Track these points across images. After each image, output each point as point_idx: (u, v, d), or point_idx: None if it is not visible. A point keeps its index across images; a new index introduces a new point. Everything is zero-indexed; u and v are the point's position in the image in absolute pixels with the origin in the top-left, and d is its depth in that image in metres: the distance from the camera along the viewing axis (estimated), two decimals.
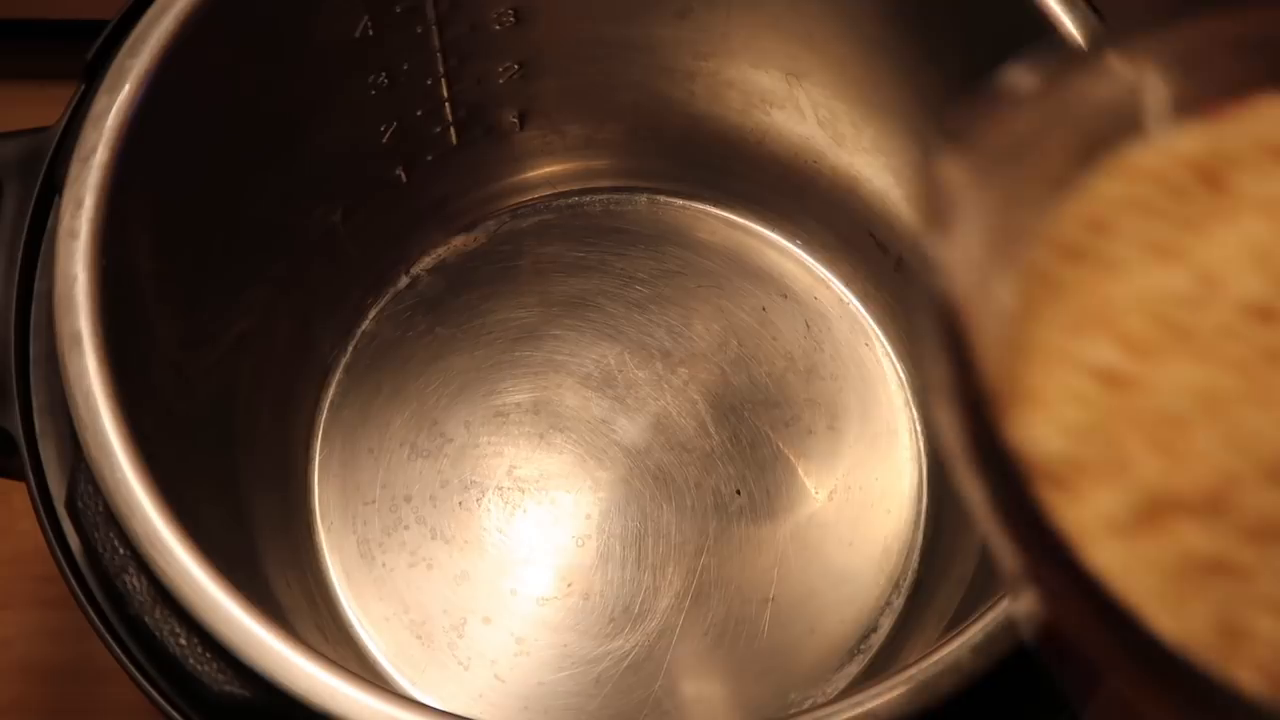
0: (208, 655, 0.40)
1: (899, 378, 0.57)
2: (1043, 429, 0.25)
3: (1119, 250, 0.27)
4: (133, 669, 0.41)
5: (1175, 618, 0.24)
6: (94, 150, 0.44)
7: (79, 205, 0.43)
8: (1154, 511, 0.24)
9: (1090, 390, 0.25)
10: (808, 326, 0.58)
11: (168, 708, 0.40)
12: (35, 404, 0.44)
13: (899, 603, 0.54)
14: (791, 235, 0.60)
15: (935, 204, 0.26)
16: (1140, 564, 0.24)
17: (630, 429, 0.56)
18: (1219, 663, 0.24)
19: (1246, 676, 0.24)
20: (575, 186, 0.61)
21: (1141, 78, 0.27)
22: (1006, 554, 0.24)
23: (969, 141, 0.26)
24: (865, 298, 0.59)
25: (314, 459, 0.56)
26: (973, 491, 0.24)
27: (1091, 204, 0.27)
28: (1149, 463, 0.25)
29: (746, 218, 0.60)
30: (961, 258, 0.25)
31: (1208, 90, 0.28)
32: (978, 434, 0.24)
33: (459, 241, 0.60)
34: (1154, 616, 0.24)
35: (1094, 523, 0.24)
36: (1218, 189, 0.27)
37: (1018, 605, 0.24)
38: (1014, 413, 0.26)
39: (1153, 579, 0.24)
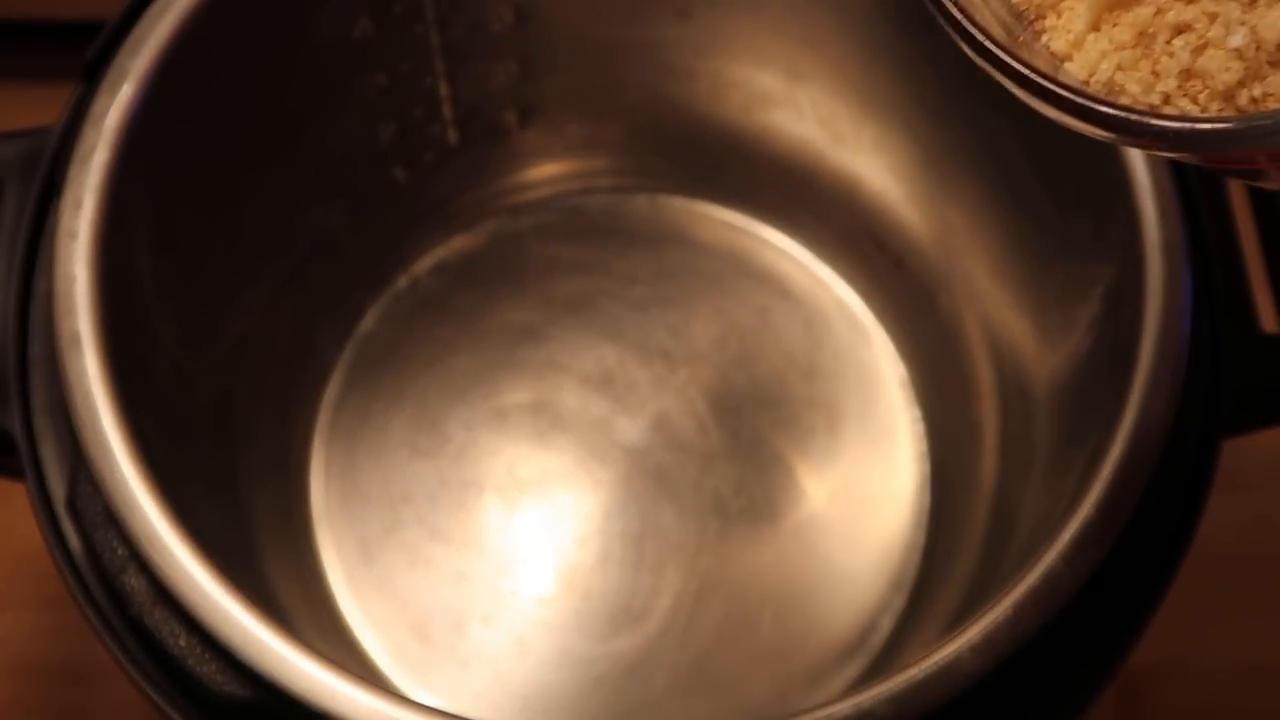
0: (207, 655, 0.40)
1: (899, 378, 0.57)
2: None
3: None
4: (132, 669, 0.41)
5: (1144, 81, 0.30)
6: (94, 150, 0.44)
7: (79, 205, 0.43)
8: (1111, 6, 0.30)
9: None
10: (808, 326, 0.58)
11: (167, 708, 0.40)
12: (35, 404, 0.44)
13: (899, 603, 0.54)
14: (791, 235, 0.60)
15: None
16: (1112, 48, 0.30)
17: (630, 429, 0.56)
18: (1186, 106, 0.29)
19: (1215, 108, 0.29)
20: (575, 186, 0.61)
21: None
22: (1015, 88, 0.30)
23: None
24: (865, 298, 0.59)
25: (314, 459, 0.56)
26: (978, 60, 0.31)
27: None
28: None
29: (746, 218, 0.60)
30: None
31: None
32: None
33: (459, 241, 0.60)
34: (1126, 85, 0.30)
35: (1079, 30, 0.31)
36: None
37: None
38: None
39: (1123, 56, 0.30)
